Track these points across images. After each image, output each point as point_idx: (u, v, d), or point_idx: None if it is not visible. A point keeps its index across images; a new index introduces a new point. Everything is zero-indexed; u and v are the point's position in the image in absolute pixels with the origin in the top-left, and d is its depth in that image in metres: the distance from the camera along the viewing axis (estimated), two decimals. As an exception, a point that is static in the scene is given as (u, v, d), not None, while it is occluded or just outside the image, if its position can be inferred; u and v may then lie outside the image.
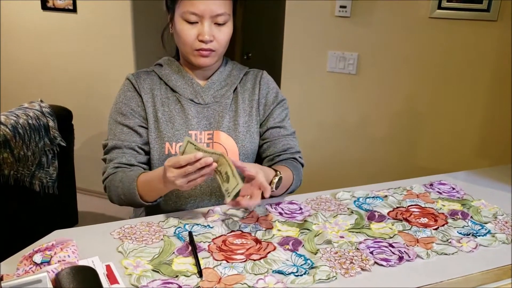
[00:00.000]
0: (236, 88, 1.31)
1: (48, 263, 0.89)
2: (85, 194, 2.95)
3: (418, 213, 1.21)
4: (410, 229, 1.13)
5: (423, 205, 1.26)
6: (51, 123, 2.43)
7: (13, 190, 2.25)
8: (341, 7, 2.36)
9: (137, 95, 1.26)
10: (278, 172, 1.17)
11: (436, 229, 1.13)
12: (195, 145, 1.00)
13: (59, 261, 0.90)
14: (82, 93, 2.98)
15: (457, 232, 1.12)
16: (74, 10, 2.85)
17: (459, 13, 2.16)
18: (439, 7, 2.19)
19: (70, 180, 2.67)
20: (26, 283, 0.73)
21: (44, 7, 2.89)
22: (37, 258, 0.89)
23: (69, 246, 0.94)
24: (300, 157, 1.34)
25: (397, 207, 1.24)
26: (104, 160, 1.27)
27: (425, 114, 2.36)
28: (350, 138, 2.54)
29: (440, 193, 1.34)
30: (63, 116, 2.51)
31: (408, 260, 1.00)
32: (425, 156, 2.41)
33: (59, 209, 2.60)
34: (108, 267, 0.93)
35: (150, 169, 1.28)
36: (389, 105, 2.41)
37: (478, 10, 2.12)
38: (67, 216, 2.71)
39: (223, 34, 1.20)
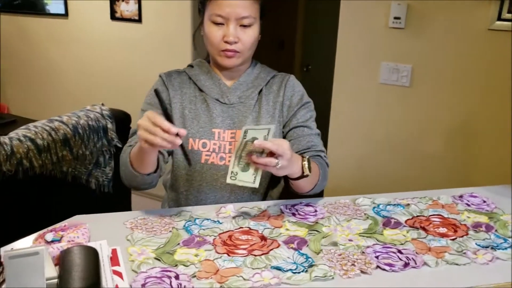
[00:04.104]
0: (261, 90, 1.34)
1: (59, 241, 0.96)
2: (140, 196, 3.08)
3: (438, 222, 1.16)
4: (425, 238, 1.08)
5: (446, 216, 1.20)
6: (109, 125, 2.57)
7: (70, 186, 2.40)
8: (395, 18, 2.32)
9: (166, 90, 1.33)
10: (305, 157, 1.14)
11: (453, 239, 1.08)
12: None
13: (68, 241, 0.96)
14: (141, 98, 3.13)
15: (476, 243, 1.06)
16: (139, 20, 3.02)
17: (521, 24, 2.05)
18: (499, 19, 2.08)
19: (125, 181, 2.79)
20: (25, 254, 0.79)
21: (113, 17, 3.09)
22: (49, 236, 0.96)
23: (81, 229, 1.00)
24: (325, 156, 1.32)
25: (417, 216, 1.19)
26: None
27: (481, 131, 2.23)
28: (400, 153, 2.46)
29: (469, 205, 1.27)
30: (122, 119, 2.65)
31: (414, 267, 0.96)
32: (480, 177, 2.27)
33: (113, 209, 2.73)
34: (114, 251, 0.98)
35: (173, 163, 1.33)
36: (444, 121, 2.31)
37: (541, 21, 2.01)
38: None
39: (248, 36, 1.24)
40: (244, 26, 1.23)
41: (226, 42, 1.22)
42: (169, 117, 1.24)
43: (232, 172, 1.06)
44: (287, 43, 3.92)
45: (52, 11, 3.31)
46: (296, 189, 1.22)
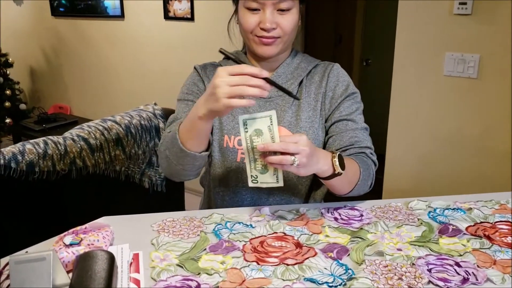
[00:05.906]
0: (301, 81, 1.23)
1: (78, 245, 0.90)
2: (193, 194, 3.05)
3: (506, 230, 0.99)
4: (489, 248, 0.93)
5: (516, 222, 1.03)
6: (161, 125, 2.56)
7: (124, 185, 2.41)
8: (460, 3, 2.13)
9: (201, 81, 1.25)
10: (335, 152, 1.01)
11: (525, 251, 0.92)
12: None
13: (88, 244, 0.90)
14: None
15: (554, 257, 0.89)
16: (192, 18, 2.99)
17: None
18: None
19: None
20: (30, 260, 0.74)
21: (166, 16, 3.09)
22: (67, 239, 0.90)
23: (102, 232, 0.94)
24: (371, 153, 1.17)
25: (481, 222, 1.03)
26: None
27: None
28: (465, 151, 2.25)
29: (546, 210, 1.10)
30: (173, 119, 2.63)
31: (474, 284, 0.82)
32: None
33: (166, 208, 2.72)
34: (135, 256, 0.92)
35: (210, 161, 1.24)
36: (516, 115, 2.09)
37: None
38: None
39: (287, 21, 1.13)
40: (282, 10, 1.12)
41: (263, 29, 1.12)
42: None
43: (251, 176, 0.95)
44: (346, 37, 3.76)
45: (110, 14, 3.38)
46: (332, 190, 1.09)
